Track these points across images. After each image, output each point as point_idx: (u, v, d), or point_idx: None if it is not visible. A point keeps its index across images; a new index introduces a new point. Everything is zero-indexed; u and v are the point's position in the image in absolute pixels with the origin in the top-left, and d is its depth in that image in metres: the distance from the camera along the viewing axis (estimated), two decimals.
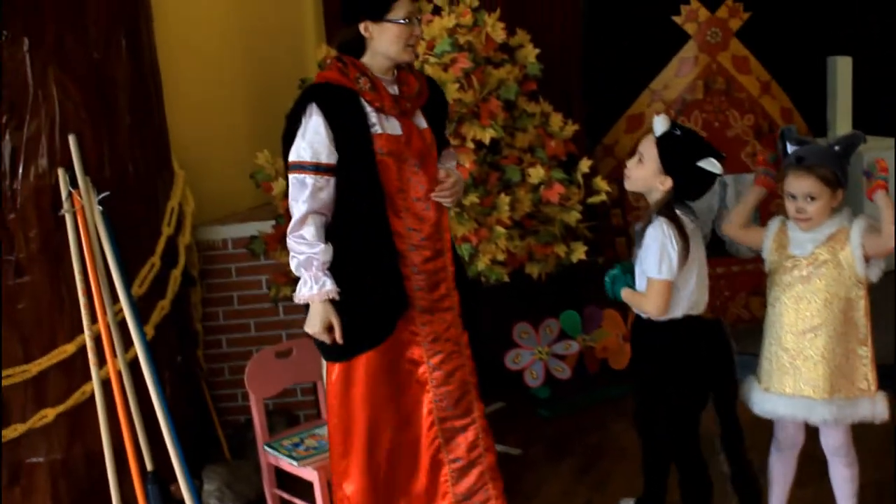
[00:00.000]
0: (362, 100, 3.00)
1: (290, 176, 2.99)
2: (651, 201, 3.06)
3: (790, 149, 3.20)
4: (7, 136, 3.51)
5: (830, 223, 3.13)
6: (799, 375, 3.18)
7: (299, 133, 2.97)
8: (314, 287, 2.97)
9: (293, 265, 3.01)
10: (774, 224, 3.28)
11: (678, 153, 2.97)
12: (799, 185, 3.11)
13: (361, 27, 3.01)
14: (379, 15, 2.99)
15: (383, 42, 3.01)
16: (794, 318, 3.18)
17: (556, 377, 4.76)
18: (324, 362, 3.34)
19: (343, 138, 2.97)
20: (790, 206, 3.16)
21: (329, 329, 3.00)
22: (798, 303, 3.17)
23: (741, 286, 5.31)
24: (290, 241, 2.99)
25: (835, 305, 3.12)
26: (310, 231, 2.96)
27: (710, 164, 2.94)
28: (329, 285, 2.97)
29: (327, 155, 2.96)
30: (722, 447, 3.19)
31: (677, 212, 3.01)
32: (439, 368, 3.21)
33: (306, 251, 2.96)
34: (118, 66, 3.70)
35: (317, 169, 2.95)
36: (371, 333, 3.08)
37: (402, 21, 2.99)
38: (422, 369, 3.19)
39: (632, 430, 4.33)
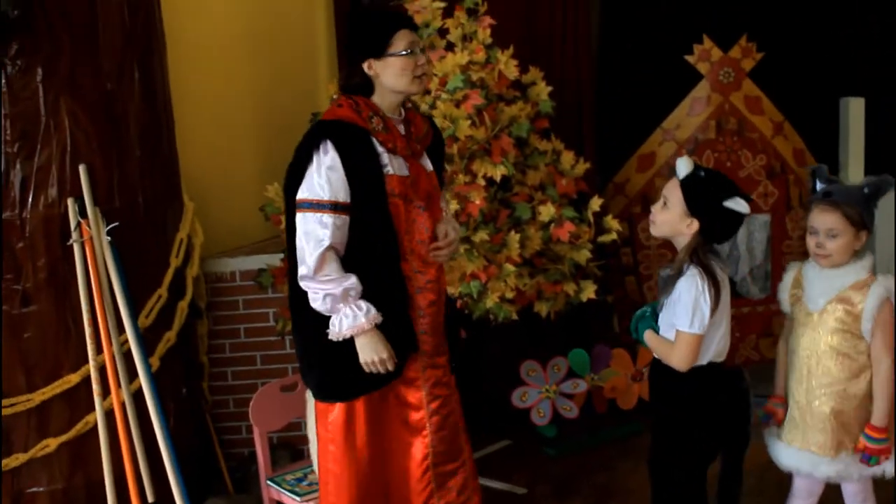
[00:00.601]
0: (374, 139, 2.97)
1: (305, 214, 2.90)
2: (678, 246, 2.99)
3: (819, 187, 3.17)
4: (18, 165, 3.52)
5: (848, 270, 3.09)
6: (806, 430, 3.16)
7: (312, 170, 2.90)
8: (359, 316, 2.90)
9: (326, 305, 2.90)
10: (790, 274, 3.26)
11: (704, 194, 2.91)
12: (822, 219, 3.08)
13: (365, 66, 2.99)
14: (380, 51, 2.97)
15: (390, 77, 2.99)
16: (806, 373, 3.16)
17: (564, 416, 4.72)
18: (310, 404, 3.25)
19: (357, 177, 2.92)
20: (811, 241, 3.13)
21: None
22: (809, 358, 3.15)
23: (752, 327, 5.28)
24: (313, 284, 2.89)
25: (846, 364, 3.09)
26: (333, 267, 2.89)
27: (738, 204, 2.86)
28: (374, 310, 2.92)
29: (345, 194, 2.91)
30: (717, 493, 3.14)
31: (709, 258, 2.94)
32: (437, 413, 3.15)
33: (337, 285, 2.88)
34: (130, 98, 3.72)
35: (335, 207, 2.89)
36: (373, 375, 3.01)
37: (403, 53, 2.97)
38: (420, 414, 3.12)
39: (639, 471, 4.28)
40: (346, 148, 2.91)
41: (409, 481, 3.16)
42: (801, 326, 3.18)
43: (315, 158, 2.91)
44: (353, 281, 2.90)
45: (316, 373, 3.06)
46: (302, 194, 2.92)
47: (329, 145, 2.90)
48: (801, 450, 3.16)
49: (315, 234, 2.89)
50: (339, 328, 2.92)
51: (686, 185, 2.93)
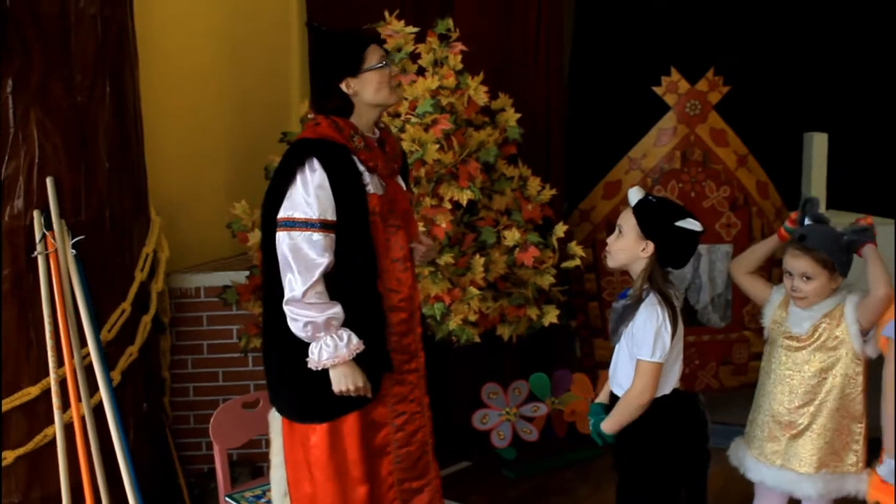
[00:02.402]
0: (355, 158, 2.97)
1: (290, 234, 2.86)
2: (634, 274, 3.01)
3: (807, 222, 3.23)
4: None
5: (828, 302, 3.18)
6: (789, 449, 3.22)
7: (297, 188, 2.87)
8: (340, 347, 2.87)
9: (306, 332, 2.87)
10: (778, 295, 3.32)
11: (656, 216, 2.96)
12: (796, 263, 3.16)
13: (343, 86, 2.99)
14: (356, 69, 2.98)
15: (369, 92, 2.99)
16: (789, 393, 3.23)
17: (524, 439, 4.75)
18: (274, 427, 3.22)
19: (343, 196, 2.92)
20: (787, 282, 3.21)
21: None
22: (793, 378, 3.22)
23: (712, 355, 5.33)
24: (297, 308, 2.86)
25: (830, 382, 3.17)
26: (321, 290, 2.87)
27: (689, 223, 2.91)
28: (355, 339, 2.90)
29: (332, 212, 2.90)
30: None
31: (666, 285, 2.98)
32: (402, 429, 3.17)
33: (321, 313, 2.86)
34: (101, 111, 3.72)
35: (324, 226, 2.87)
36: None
37: (379, 66, 2.99)
38: (384, 430, 3.13)
39: (597, 494, 4.38)
40: (332, 166, 2.90)
41: (378, 498, 3.15)
42: (784, 348, 3.25)
43: (300, 177, 2.88)
44: (336, 310, 2.88)
45: (296, 395, 3.04)
46: (286, 212, 2.88)
47: (316, 163, 2.88)
48: (782, 468, 3.24)
49: (304, 253, 2.86)
50: (318, 357, 2.89)
51: (638, 209, 2.98)
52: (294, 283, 2.85)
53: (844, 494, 3.22)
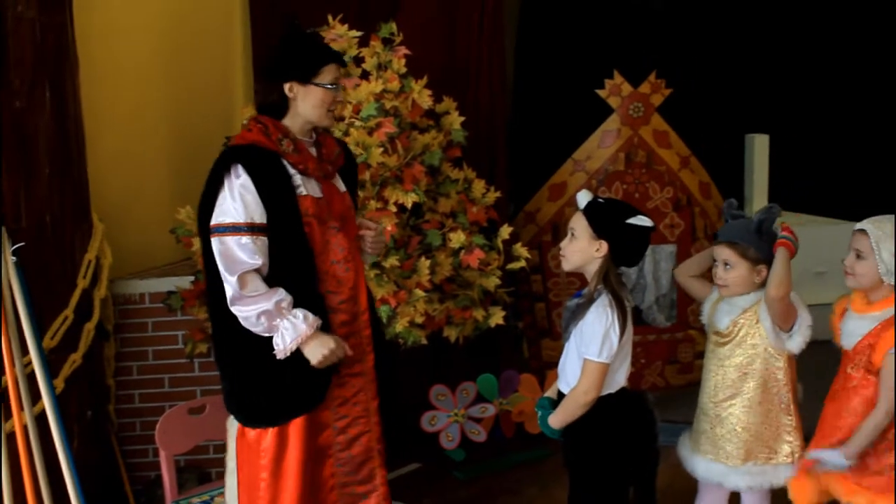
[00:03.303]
0: (285, 161, 2.98)
1: (220, 239, 2.89)
2: (588, 276, 3.05)
3: (729, 221, 3.35)
4: None
5: (748, 297, 3.26)
6: (716, 441, 3.30)
7: (225, 194, 2.90)
8: (299, 324, 2.88)
9: (262, 324, 2.88)
10: (715, 293, 3.40)
11: (607, 215, 3.01)
12: (717, 251, 3.29)
13: (286, 87, 3.00)
14: (306, 77, 3.00)
15: (307, 105, 3.02)
16: (713, 387, 3.32)
17: (472, 440, 4.78)
18: (231, 432, 3.19)
19: (270, 200, 2.92)
20: (714, 270, 3.32)
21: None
22: (717, 373, 3.31)
23: (657, 354, 5.40)
24: (241, 308, 2.87)
25: (750, 377, 3.24)
26: (256, 285, 2.88)
27: (640, 220, 2.96)
28: (311, 315, 2.91)
29: (260, 214, 2.91)
30: None
31: (619, 286, 3.01)
32: (344, 433, 3.15)
33: (266, 302, 2.87)
34: (40, 116, 3.68)
35: (252, 229, 2.89)
36: (306, 397, 3.01)
37: (328, 86, 3.02)
38: (326, 433, 3.12)
39: (546, 494, 4.40)
40: (256, 170, 2.91)
41: (319, 499, 3.14)
42: (710, 343, 3.36)
43: (226, 183, 2.91)
44: (281, 294, 2.89)
45: (244, 399, 3.04)
46: (216, 219, 2.91)
47: (240, 169, 2.90)
48: (713, 461, 3.31)
49: (234, 257, 2.87)
50: (283, 343, 2.90)
51: (588, 210, 3.03)
52: (231, 281, 2.87)
53: (781, 485, 3.28)
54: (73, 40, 3.92)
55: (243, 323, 2.91)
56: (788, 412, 3.28)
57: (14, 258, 3.46)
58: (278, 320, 2.89)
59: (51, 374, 3.50)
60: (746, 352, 3.25)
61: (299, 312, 2.91)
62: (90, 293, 3.94)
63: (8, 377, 3.41)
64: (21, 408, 3.42)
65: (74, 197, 3.89)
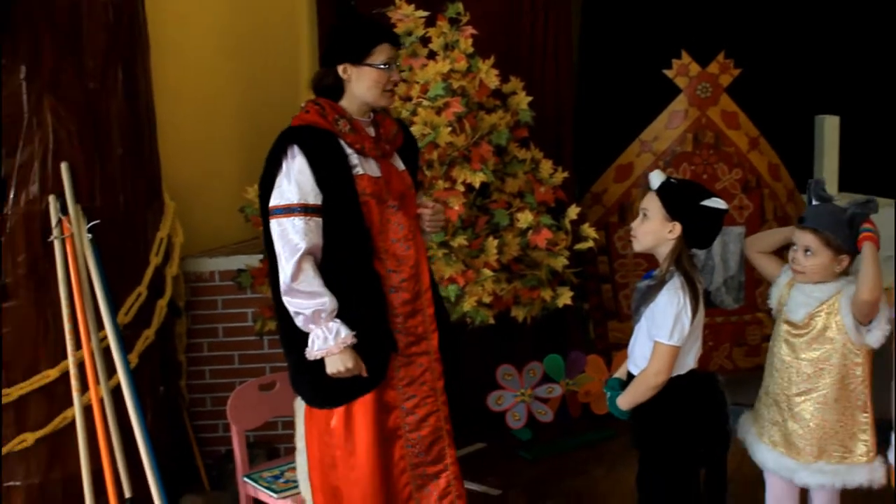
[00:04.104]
0: (342, 142, 3.00)
1: (278, 221, 2.93)
2: (660, 257, 3.01)
3: (814, 202, 3.19)
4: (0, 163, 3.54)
5: (826, 288, 3.11)
6: (788, 436, 3.18)
7: (282, 176, 2.94)
8: (329, 339, 2.90)
9: (300, 322, 2.93)
10: (786, 276, 3.26)
11: (681, 197, 2.97)
12: (799, 236, 3.12)
13: (340, 69, 3.02)
14: (359, 58, 3.01)
15: (361, 86, 3.03)
16: (787, 380, 3.18)
17: (539, 420, 4.77)
18: (299, 412, 3.22)
19: (327, 180, 2.94)
20: (791, 254, 3.17)
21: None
22: (790, 364, 3.17)
23: (725, 337, 5.34)
24: (290, 298, 2.91)
25: (827, 373, 3.11)
26: (307, 279, 2.89)
27: (714, 202, 2.92)
28: (344, 332, 2.92)
29: (314, 196, 2.93)
30: (704, 501, 3.16)
31: (692, 267, 2.97)
32: (413, 413, 3.15)
33: (310, 304, 2.89)
34: (113, 97, 3.74)
35: (305, 210, 2.91)
36: (369, 375, 3.02)
37: (381, 66, 3.01)
38: (395, 414, 3.12)
39: (612, 476, 4.39)
40: (312, 151, 2.94)
41: (390, 481, 3.15)
42: (783, 333, 3.20)
43: (284, 164, 2.94)
44: (324, 300, 2.90)
45: (308, 380, 3.06)
46: (274, 201, 2.94)
47: (296, 150, 2.93)
48: (784, 455, 3.19)
49: (289, 239, 2.90)
50: (311, 348, 2.94)
51: (662, 191, 2.98)
52: (286, 268, 2.90)
53: (856, 485, 3.15)
54: (146, 23, 3.98)
55: (291, 313, 2.95)
56: (865, 409, 3.15)
57: (90, 236, 3.55)
58: (313, 326, 2.92)
59: (125, 349, 3.59)
60: (823, 346, 3.11)
61: (334, 326, 2.92)
62: (162, 271, 4.00)
63: (85, 352, 3.50)
64: (97, 381, 3.50)
65: (146, 176, 3.95)
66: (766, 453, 3.26)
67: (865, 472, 3.14)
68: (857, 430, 3.14)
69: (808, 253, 3.09)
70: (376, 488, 3.07)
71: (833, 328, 3.09)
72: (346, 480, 3.07)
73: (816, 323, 3.12)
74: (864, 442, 3.14)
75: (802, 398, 3.14)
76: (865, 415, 3.15)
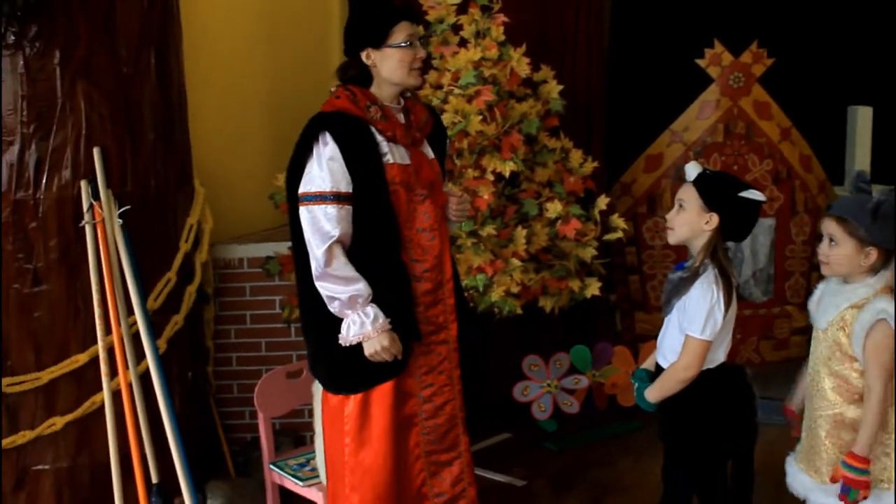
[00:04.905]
0: (373, 129, 2.98)
1: (308, 208, 2.92)
2: (695, 249, 2.97)
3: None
4: (33, 147, 3.56)
5: (854, 288, 2.90)
6: (807, 451, 3.02)
7: (312, 162, 2.92)
8: (367, 324, 2.91)
9: (334, 308, 2.93)
10: (819, 288, 3.08)
11: (718, 187, 2.93)
12: (825, 225, 2.94)
13: (363, 56, 3.00)
14: (379, 41, 2.99)
15: (387, 68, 3.00)
16: (811, 392, 3.01)
17: (564, 411, 4.76)
18: (317, 397, 3.23)
19: (357, 167, 2.93)
20: (818, 247, 2.98)
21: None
22: (814, 377, 2.99)
23: (753, 330, 5.30)
24: (324, 283, 2.90)
25: (843, 388, 2.90)
26: (340, 267, 2.89)
27: (752, 193, 2.89)
28: (382, 317, 2.93)
29: (346, 184, 2.92)
30: (732, 492, 3.14)
31: (726, 259, 2.93)
32: (430, 401, 3.16)
33: (346, 289, 2.89)
34: (146, 83, 3.75)
35: (337, 198, 2.90)
36: (387, 364, 3.01)
37: (403, 45, 2.98)
38: (412, 402, 3.13)
39: (637, 467, 4.37)
40: (344, 138, 2.92)
41: (404, 468, 3.16)
42: (813, 339, 3.03)
43: (315, 151, 2.92)
44: (359, 286, 2.90)
45: (326, 365, 3.08)
46: (304, 188, 2.93)
47: (328, 136, 2.91)
48: (802, 471, 3.02)
49: (320, 226, 2.89)
50: (346, 333, 2.94)
51: (699, 182, 2.95)
52: (318, 255, 2.89)
53: None
54: (178, 9, 3.98)
55: (325, 300, 2.95)
56: (887, 429, 2.84)
57: (120, 221, 3.56)
58: (349, 311, 2.92)
59: (154, 334, 3.60)
60: (841, 364, 2.89)
61: (371, 311, 2.92)
62: (192, 257, 4.01)
63: (114, 336, 3.51)
64: (126, 366, 3.52)
65: (177, 162, 3.96)
66: (789, 466, 3.10)
67: (890, 498, 2.86)
68: (879, 452, 2.86)
69: (832, 242, 2.90)
70: (390, 474, 3.08)
71: (847, 339, 2.87)
72: (360, 467, 3.08)
73: (837, 336, 2.90)
74: (885, 466, 2.87)
75: (820, 413, 2.96)
76: (888, 436, 2.86)
